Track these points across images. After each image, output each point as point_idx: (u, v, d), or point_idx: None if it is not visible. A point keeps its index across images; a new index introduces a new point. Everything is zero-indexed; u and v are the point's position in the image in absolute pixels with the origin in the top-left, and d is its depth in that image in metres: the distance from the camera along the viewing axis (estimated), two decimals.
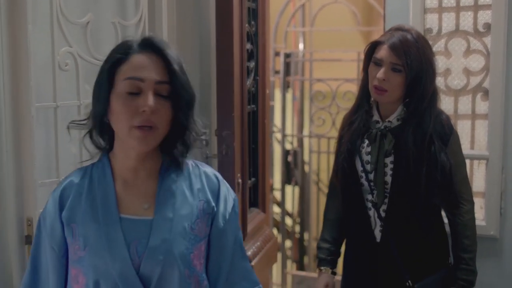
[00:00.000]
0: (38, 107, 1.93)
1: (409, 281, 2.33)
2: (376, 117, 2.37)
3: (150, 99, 1.41)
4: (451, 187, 2.32)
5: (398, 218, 2.34)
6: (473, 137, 3.06)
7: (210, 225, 1.55)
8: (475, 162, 3.06)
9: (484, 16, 2.97)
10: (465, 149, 3.01)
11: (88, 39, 2.14)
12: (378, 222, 2.36)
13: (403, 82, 2.25)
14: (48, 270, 1.52)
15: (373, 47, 2.32)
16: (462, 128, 3.07)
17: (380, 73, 2.25)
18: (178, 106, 1.47)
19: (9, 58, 1.86)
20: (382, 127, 2.34)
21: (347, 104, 5.52)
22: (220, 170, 2.59)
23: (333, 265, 2.52)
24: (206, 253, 1.56)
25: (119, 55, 1.46)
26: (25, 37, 1.87)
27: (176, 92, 1.46)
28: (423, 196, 2.28)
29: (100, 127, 1.51)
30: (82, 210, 1.49)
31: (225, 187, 1.60)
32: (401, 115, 2.32)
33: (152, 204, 1.50)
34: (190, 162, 1.58)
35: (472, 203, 2.40)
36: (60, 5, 2.00)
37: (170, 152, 1.53)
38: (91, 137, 1.54)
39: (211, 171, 1.61)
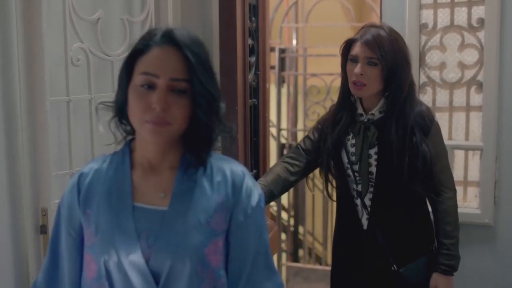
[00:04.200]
0: (51, 101, 1.95)
1: (394, 266, 2.40)
2: (360, 110, 2.43)
3: (161, 98, 1.37)
4: (432, 175, 2.38)
5: (383, 206, 2.41)
6: (468, 129, 3.12)
7: (230, 220, 1.48)
8: (470, 152, 3.12)
9: (478, 12, 3.03)
10: (460, 139, 3.10)
11: (98, 35, 2.17)
12: (365, 211, 2.43)
13: (379, 74, 2.30)
14: (64, 256, 1.51)
15: (348, 45, 2.40)
16: (457, 120, 3.13)
17: (357, 68, 2.31)
18: (197, 103, 1.41)
19: (25, 54, 1.89)
20: (366, 120, 2.40)
21: None
22: None
23: None
24: (226, 249, 1.48)
25: (141, 46, 1.42)
26: (40, 34, 1.90)
27: (194, 89, 1.40)
28: (406, 184, 2.34)
29: (120, 115, 1.48)
30: (97, 196, 1.47)
31: (250, 182, 1.52)
32: (383, 108, 2.38)
33: (169, 194, 1.46)
34: (214, 156, 1.53)
35: (454, 191, 2.45)
36: (72, 3, 2.04)
37: (191, 147, 1.48)
38: (119, 121, 1.51)
39: (237, 165, 1.55)
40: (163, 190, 1.47)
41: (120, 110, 1.47)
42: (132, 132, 1.51)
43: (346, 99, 2.46)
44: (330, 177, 2.54)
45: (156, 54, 1.40)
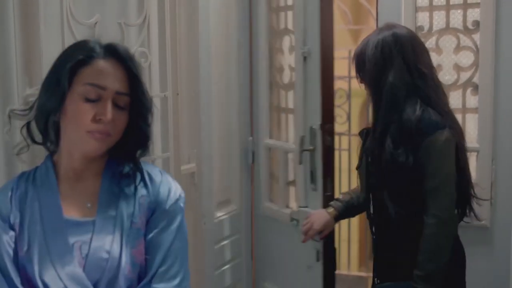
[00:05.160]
0: None
1: (376, 279, 2.38)
2: None
3: (109, 111, 1.43)
4: (418, 192, 2.20)
5: (378, 217, 2.35)
6: (464, 130, 3.10)
7: (149, 217, 1.53)
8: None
9: (473, 14, 3.04)
10: None
11: None
12: (371, 220, 2.42)
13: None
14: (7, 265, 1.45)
15: None
16: None
17: None
18: (139, 115, 1.50)
19: (23, 58, 1.92)
20: None
21: (339, 101, 5.60)
22: (324, 160, 2.96)
23: (336, 205, 2.59)
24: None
25: (82, 57, 1.45)
26: (38, 38, 1.93)
27: (137, 102, 1.49)
28: (378, 193, 2.27)
29: (45, 123, 1.50)
30: (27, 213, 1.48)
31: (170, 183, 1.58)
32: None
33: (95, 203, 1.50)
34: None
35: (439, 218, 2.16)
36: (70, 7, 2.06)
37: (128, 156, 1.54)
38: (28, 129, 1.54)
39: (156, 168, 1.61)
40: (89, 199, 1.52)
41: (47, 118, 1.49)
42: (54, 140, 1.53)
43: None
44: None
45: (102, 66, 1.46)
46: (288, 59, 3.49)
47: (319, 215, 2.58)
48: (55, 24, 2.04)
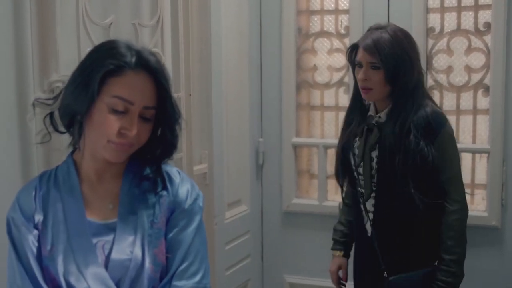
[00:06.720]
0: None
1: (385, 272, 2.37)
2: (371, 112, 2.41)
3: (135, 126, 1.42)
4: (435, 182, 2.30)
5: (383, 212, 2.35)
6: (475, 132, 3.14)
7: (169, 217, 1.54)
8: (477, 155, 3.14)
9: (485, 16, 3.05)
10: (467, 143, 3.12)
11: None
12: (368, 216, 2.42)
13: (383, 77, 2.28)
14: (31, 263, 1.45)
15: (352, 51, 2.39)
16: (464, 123, 3.15)
17: (361, 74, 2.32)
18: (167, 126, 1.50)
19: (39, 58, 1.91)
20: (373, 122, 2.37)
21: None
22: None
23: (346, 246, 2.62)
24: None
25: (113, 66, 1.41)
26: (54, 38, 1.92)
27: (165, 114, 1.47)
28: (400, 186, 2.27)
29: (70, 122, 1.49)
30: (50, 213, 1.48)
31: (188, 183, 1.59)
32: (390, 110, 2.36)
33: (117, 204, 1.51)
34: None
35: (461, 203, 2.32)
36: (86, 8, 2.07)
37: (152, 161, 1.54)
38: (51, 118, 1.54)
39: (173, 169, 1.61)
40: (111, 200, 1.52)
41: (71, 118, 1.48)
42: (77, 138, 1.51)
43: (357, 102, 2.45)
44: (344, 181, 2.55)
45: (132, 80, 1.42)
46: (327, 60, 3.52)
47: (333, 264, 2.65)
48: (71, 25, 2.04)
